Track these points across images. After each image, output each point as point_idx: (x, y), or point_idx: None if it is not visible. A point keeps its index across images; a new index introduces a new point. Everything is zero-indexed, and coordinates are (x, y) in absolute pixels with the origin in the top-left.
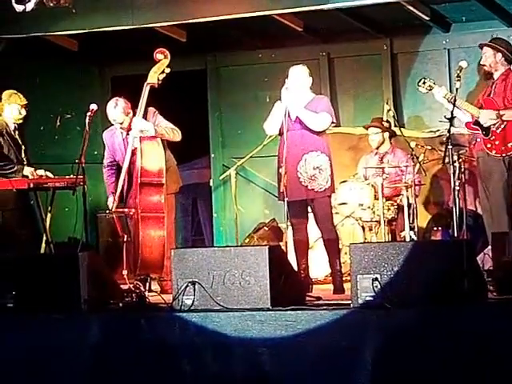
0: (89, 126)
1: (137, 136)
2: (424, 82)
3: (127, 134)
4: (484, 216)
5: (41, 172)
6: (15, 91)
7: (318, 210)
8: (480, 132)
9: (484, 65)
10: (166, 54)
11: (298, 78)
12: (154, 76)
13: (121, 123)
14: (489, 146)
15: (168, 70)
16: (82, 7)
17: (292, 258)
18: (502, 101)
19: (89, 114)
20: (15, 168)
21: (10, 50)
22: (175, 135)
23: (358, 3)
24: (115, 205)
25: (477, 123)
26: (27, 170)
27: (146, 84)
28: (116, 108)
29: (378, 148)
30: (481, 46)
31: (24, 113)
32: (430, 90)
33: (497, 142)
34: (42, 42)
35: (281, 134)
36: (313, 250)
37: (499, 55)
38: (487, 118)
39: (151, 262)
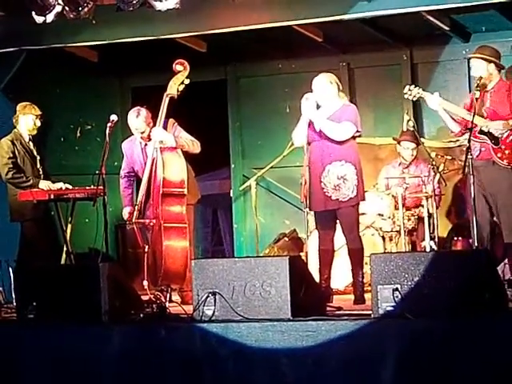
0: (109, 136)
1: (157, 147)
2: (410, 90)
3: (146, 145)
4: (478, 226)
5: (59, 185)
6: (29, 102)
7: (343, 220)
8: (488, 141)
9: (478, 78)
10: (185, 65)
11: (321, 87)
12: (174, 87)
13: (142, 132)
14: (499, 155)
15: (187, 81)
16: (102, 18)
17: (312, 268)
18: (510, 111)
19: (109, 124)
20: (30, 182)
21: (30, 61)
22: (195, 147)
23: (378, 14)
24: (135, 215)
25: (482, 132)
26: (42, 184)
27: (165, 95)
28: (138, 117)
29: (412, 161)
30: (469, 58)
31: (38, 123)
32: (420, 97)
33: (507, 152)
34: (63, 53)
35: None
36: (334, 259)
37: (492, 66)
38: (497, 128)
39: (173, 273)
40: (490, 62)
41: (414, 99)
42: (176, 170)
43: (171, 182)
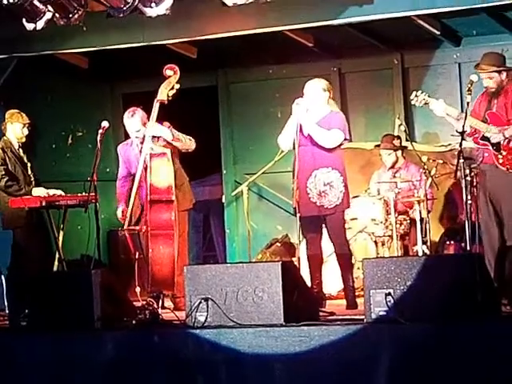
0: (100, 143)
1: (147, 153)
2: (416, 96)
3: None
4: (485, 230)
5: (53, 191)
6: (18, 110)
7: (330, 226)
8: (490, 147)
9: (492, 87)
10: (175, 69)
11: (312, 92)
12: (164, 92)
13: (137, 131)
14: (500, 161)
15: (178, 86)
16: (92, 25)
17: (305, 273)
18: (506, 115)
19: (100, 131)
20: (23, 190)
21: (21, 67)
22: (191, 143)
23: (368, 18)
24: (127, 222)
25: (484, 138)
26: (36, 191)
27: (155, 100)
28: (134, 117)
29: (392, 166)
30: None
31: (26, 132)
32: (426, 104)
33: (509, 157)
34: (53, 59)
35: (295, 148)
36: (326, 265)
37: (503, 74)
38: (494, 134)
39: (162, 279)
40: (500, 72)
41: (421, 105)
42: (163, 176)
43: (158, 189)
